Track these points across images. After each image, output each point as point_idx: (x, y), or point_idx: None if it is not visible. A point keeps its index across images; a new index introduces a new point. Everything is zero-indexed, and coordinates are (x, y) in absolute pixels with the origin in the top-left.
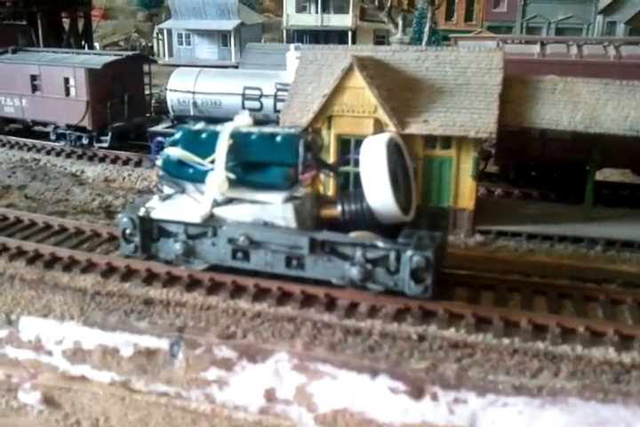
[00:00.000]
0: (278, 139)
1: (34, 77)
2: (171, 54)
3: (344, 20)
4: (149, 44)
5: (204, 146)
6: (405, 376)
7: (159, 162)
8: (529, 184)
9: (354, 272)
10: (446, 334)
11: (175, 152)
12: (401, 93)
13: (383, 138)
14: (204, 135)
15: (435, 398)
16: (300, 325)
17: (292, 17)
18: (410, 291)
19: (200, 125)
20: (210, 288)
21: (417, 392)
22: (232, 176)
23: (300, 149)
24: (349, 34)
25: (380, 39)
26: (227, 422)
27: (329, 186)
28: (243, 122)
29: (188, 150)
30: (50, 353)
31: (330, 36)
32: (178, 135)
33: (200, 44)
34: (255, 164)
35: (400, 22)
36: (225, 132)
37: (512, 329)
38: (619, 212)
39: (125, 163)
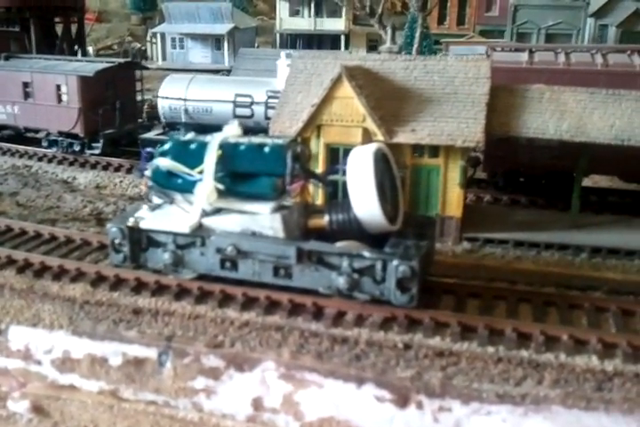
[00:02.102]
0: (266, 149)
1: (26, 84)
2: (164, 58)
3: (337, 24)
4: (143, 48)
5: (192, 156)
6: (391, 385)
7: (149, 172)
8: (517, 191)
9: (341, 282)
10: (432, 343)
11: (164, 163)
12: (389, 103)
13: (370, 148)
14: (193, 146)
15: (420, 406)
16: (287, 334)
17: (286, 21)
18: (396, 300)
19: (189, 136)
20: (198, 297)
21: (402, 401)
22: (220, 186)
23: (288, 160)
24: (342, 38)
25: (373, 43)
26: None
27: (318, 196)
28: (232, 132)
29: (177, 161)
30: (39, 362)
31: (323, 39)
32: (167, 146)
33: (193, 47)
34: (243, 174)
35: (389, 31)
36: (214, 142)
37: (497, 337)
38: (605, 218)
39: (117, 169)
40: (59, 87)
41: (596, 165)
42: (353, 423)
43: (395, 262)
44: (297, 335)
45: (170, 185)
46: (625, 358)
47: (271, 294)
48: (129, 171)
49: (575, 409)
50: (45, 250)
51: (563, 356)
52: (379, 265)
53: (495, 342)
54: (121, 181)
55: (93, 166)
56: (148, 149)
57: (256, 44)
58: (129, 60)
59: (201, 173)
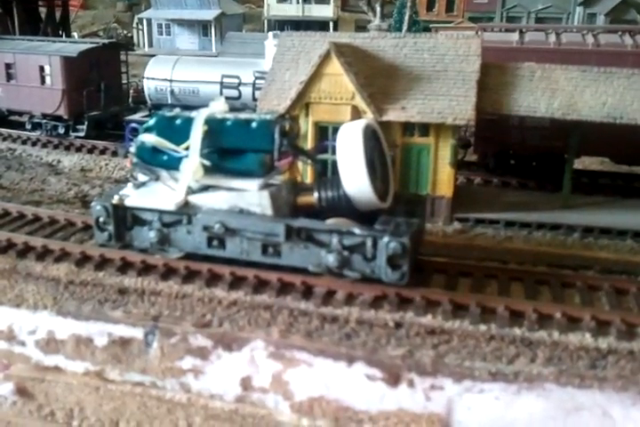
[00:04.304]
0: (254, 125)
1: (8, 66)
2: (151, 44)
3: (325, 11)
4: (129, 35)
5: (178, 132)
6: (382, 363)
7: (133, 149)
8: (508, 173)
9: (330, 259)
10: (423, 321)
11: (149, 139)
12: (379, 80)
13: (360, 124)
14: (178, 121)
15: (411, 384)
16: (276, 313)
17: (273, 7)
18: (386, 278)
19: (175, 112)
20: (185, 277)
21: (393, 379)
22: (207, 163)
23: (276, 135)
24: (331, 24)
25: (362, 30)
26: (203, 412)
27: (306, 173)
28: (218, 108)
29: (163, 137)
30: (23, 343)
31: (311, 26)
32: (152, 121)
33: (180, 34)
34: (231, 150)
35: (378, 9)
36: (200, 118)
37: (489, 315)
38: (596, 199)
39: (102, 152)
40: (42, 68)
41: (587, 146)
42: (343, 402)
43: (385, 239)
44: (286, 314)
45: (155, 161)
46: (619, 335)
47: (260, 273)
48: (114, 154)
49: (569, 387)
50: (29, 230)
51: (556, 334)
52: (369, 242)
53: (487, 320)
54: (106, 164)
55: (78, 149)
56: (133, 125)
57: (243, 31)
58: (113, 40)
59: (187, 149)
